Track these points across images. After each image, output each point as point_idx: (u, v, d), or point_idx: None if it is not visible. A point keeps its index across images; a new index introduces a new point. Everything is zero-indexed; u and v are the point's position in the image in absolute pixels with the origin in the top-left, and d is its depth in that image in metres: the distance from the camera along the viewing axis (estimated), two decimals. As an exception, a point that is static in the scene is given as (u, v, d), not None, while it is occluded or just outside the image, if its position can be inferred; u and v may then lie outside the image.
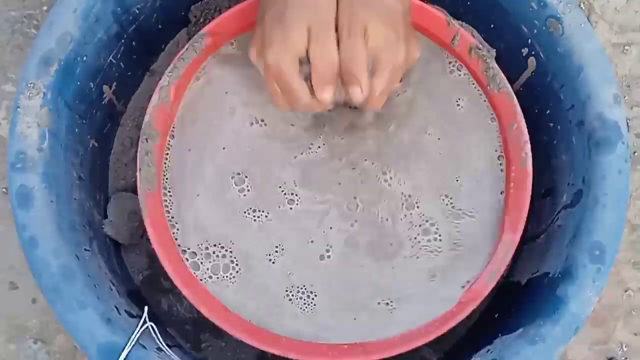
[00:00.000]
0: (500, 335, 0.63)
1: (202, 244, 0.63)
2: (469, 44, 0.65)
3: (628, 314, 0.81)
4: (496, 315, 0.72)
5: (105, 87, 0.70)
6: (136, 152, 0.62)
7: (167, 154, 0.65)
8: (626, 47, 0.86)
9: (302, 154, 0.65)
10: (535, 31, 0.66)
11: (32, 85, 0.61)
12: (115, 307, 0.61)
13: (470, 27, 0.74)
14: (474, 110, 0.66)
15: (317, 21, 0.54)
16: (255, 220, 0.64)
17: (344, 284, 0.63)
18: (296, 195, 0.64)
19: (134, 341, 0.58)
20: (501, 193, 0.65)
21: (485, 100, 0.66)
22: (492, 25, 0.73)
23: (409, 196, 0.65)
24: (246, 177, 0.64)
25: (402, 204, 0.65)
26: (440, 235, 0.64)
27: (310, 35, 0.55)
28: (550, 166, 0.69)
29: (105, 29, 0.66)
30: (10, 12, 0.84)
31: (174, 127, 0.65)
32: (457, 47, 0.65)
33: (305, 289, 0.63)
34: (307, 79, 0.56)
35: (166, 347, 0.60)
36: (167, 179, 0.64)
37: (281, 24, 0.55)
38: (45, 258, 0.58)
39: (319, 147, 0.66)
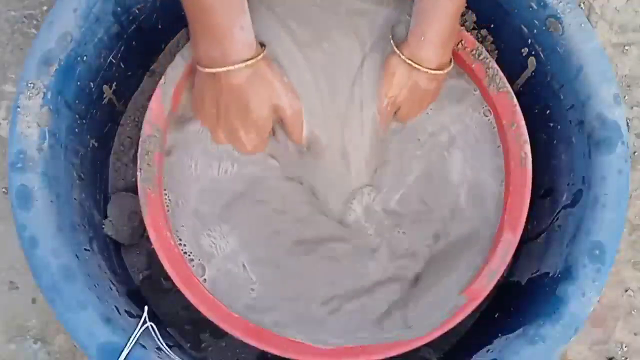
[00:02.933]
0: (500, 335, 0.63)
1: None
2: (472, 47, 0.65)
3: (628, 314, 0.81)
4: (496, 315, 0.72)
5: (105, 87, 0.70)
6: (136, 152, 0.62)
7: (166, 153, 0.65)
8: (626, 47, 0.86)
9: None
10: (535, 31, 0.66)
11: (32, 85, 0.61)
12: (115, 307, 0.61)
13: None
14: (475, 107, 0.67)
15: (282, 101, 0.62)
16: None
17: None
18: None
19: (134, 341, 0.58)
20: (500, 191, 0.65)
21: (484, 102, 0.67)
22: (492, 25, 0.73)
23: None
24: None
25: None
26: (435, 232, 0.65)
27: (279, 111, 0.62)
28: (550, 166, 0.69)
29: (105, 29, 0.66)
30: (10, 12, 0.84)
31: (172, 127, 0.65)
32: (460, 51, 0.65)
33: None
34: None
35: (166, 347, 0.60)
36: (167, 178, 0.64)
37: (245, 114, 0.61)
38: (45, 258, 0.58)
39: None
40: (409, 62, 0.61)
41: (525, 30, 0.68)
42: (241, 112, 0.61)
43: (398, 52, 0.61)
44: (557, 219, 0.67)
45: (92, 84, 0.67)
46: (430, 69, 0.62)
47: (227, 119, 0.62)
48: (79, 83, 0.65)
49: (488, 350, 0.62)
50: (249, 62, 0.58)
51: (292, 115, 0.63)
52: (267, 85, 0.61)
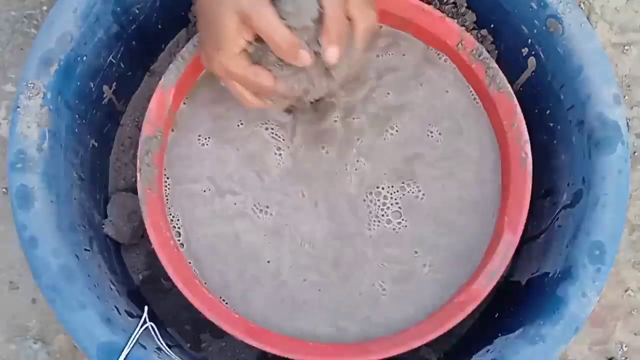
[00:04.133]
0: (500, 335, 0.63)
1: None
2: (472, 47, 0.65)
3: (628, 314, 0.81)
4: (496, 315, 0.72)
5: (105, 87, 0.70)
6: (136, 152, 0.62)
7: (167, 152, 0.65)
8: (626, 47, 0.86)
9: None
10: (535, 31, 0.66)
11: (32, 85, 0.61)
12: (115, 307, 0.61)
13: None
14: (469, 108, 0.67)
15: (246, 6, 0.52)
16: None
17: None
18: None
19: (134, 341, 0.58)
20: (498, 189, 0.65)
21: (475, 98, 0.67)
22: (492, 25, 0.73)
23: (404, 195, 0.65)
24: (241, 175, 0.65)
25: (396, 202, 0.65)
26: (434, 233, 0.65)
27: (247, 21, 0.53)
28: (550, 166, 0.69)
29: (105, 29, 0.66)
30: (10, 12, 0.84)
31: (173, 127, 0.65)
32: (460, 51, 0.66)
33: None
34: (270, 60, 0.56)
35: (166, 347, 0.60)
36: (167, 178, 0.65)
37: (210, 28, 0.55)
38: (45, 258, 0.58)
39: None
40: None
41: (525, 30, 0.68)
42: (206, 24, 0.56)
43: None
44: (557, 219, 0.67)
45: (92, 84, 0.67)
46: None
47: (200, 35, 0.58)
48: (79, 83, 0.65)
49: (488, 350, 0.62)
50: None
51: (266, 26, 0.53)
52: None
